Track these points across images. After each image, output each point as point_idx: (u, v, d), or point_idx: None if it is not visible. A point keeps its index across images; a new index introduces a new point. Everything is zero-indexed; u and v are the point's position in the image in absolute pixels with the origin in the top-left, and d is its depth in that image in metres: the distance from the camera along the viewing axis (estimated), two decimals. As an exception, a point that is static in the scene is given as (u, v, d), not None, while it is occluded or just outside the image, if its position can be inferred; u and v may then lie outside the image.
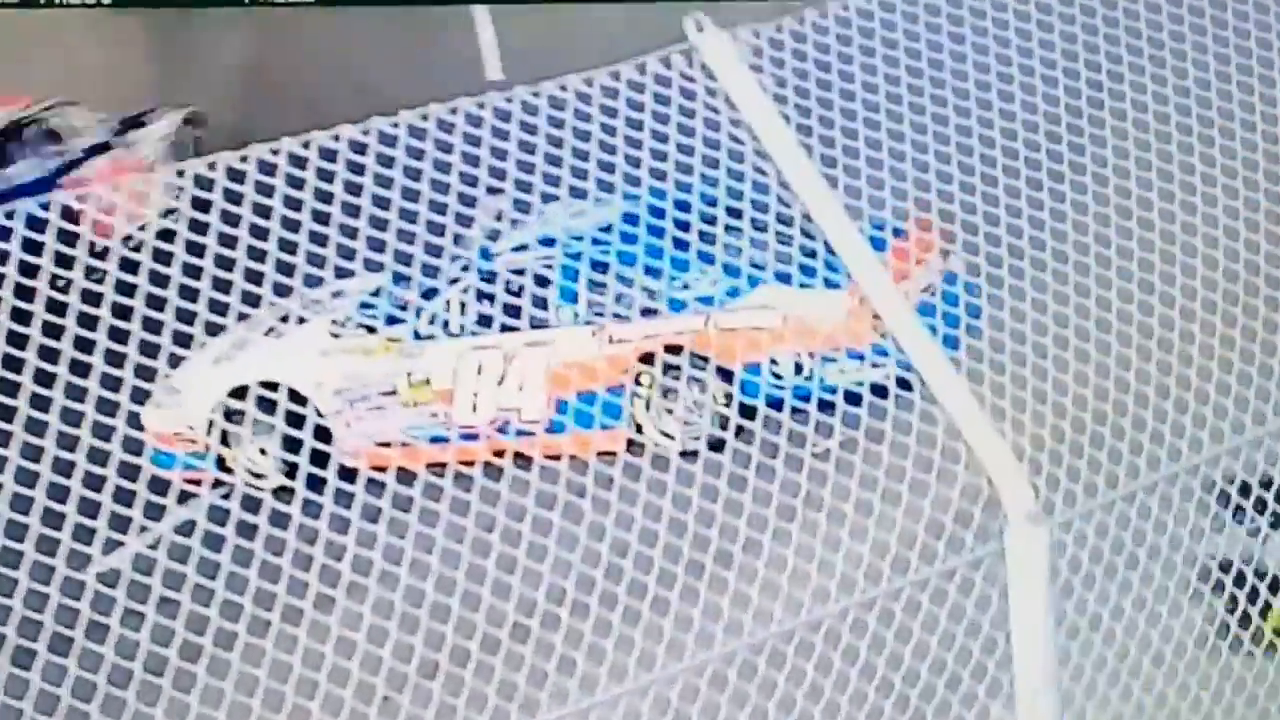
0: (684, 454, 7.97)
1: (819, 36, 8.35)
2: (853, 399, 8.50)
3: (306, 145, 7.63)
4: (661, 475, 8.10)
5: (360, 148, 7.72)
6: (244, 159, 7.50)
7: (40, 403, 7.61)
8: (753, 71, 7.81)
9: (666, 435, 8.28)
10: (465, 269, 8.28)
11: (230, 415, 8.36)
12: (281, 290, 8.14)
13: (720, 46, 7.70)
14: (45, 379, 7.63)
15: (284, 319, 8.25)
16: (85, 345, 7.68)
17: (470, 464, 8.30)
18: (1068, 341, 8.46)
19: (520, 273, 8.42)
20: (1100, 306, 8.59)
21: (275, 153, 7.55)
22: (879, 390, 8.31)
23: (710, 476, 8.20)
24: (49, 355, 7.65)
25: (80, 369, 7.77)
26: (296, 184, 7.63)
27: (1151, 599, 9.21)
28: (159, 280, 7.69)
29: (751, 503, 8.07)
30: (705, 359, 8.36)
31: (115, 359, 7.82)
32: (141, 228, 8.15)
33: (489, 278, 8.34)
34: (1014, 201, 8.49)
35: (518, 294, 8.49)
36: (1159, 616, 9.22)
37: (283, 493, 8.04)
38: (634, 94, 8.05)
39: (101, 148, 33.57)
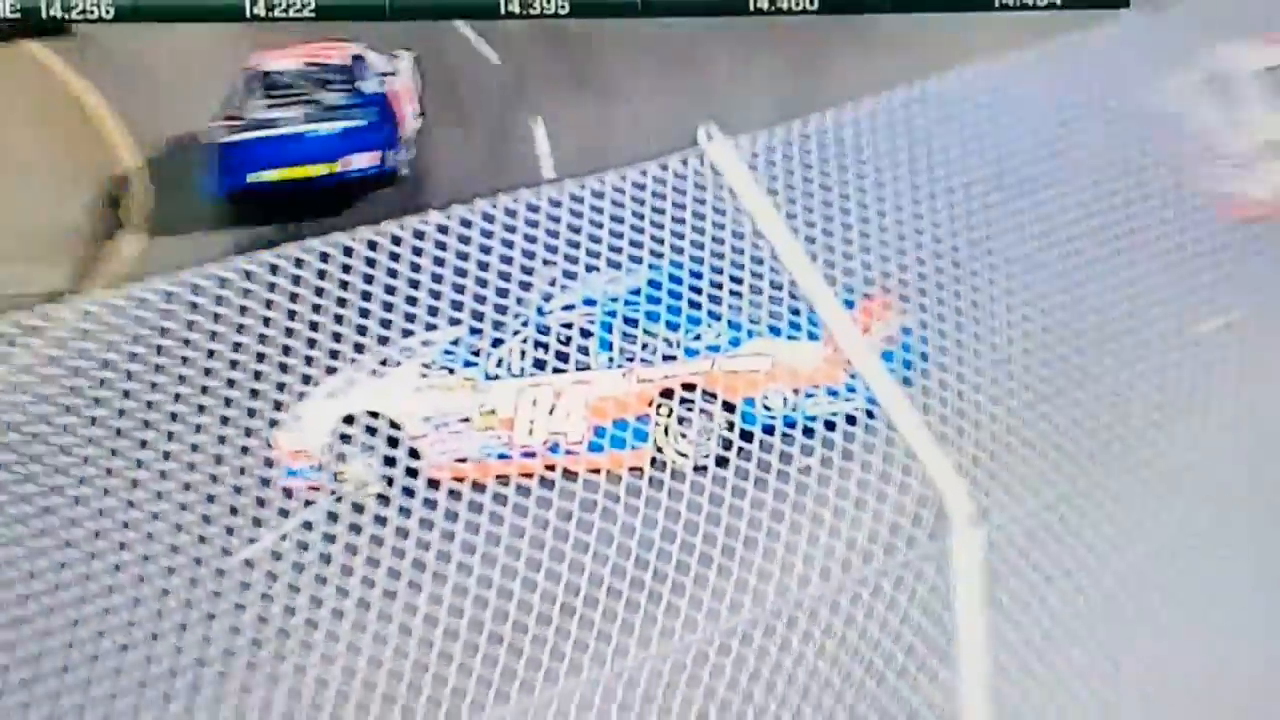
0: (695, 469, 8.31)
1: (805, 142, 8.50)
2: (829, 426, 8.60)
3: (402, 227, 7.86)
4: (678, 486, 8.21)
5: (444, 229, 7.94)
6: (354, 238, 7.71)
7: (199, 425, 7.79)
8: (750, 170, 8.13)
9: (681, 454, 8.36)
10: (524, 324, 8.28)
11: (342, 437, 8.46)
12: (382, 339, 8.13)
13: (724, 150, 8.07)
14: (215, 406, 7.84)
15: (384, 362, 8.23)
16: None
17: (528, 476, 8.42)
18: (997, 381, 8.67)
19: (568, 327, 8.42)
20: (1025, 354, 8.86)
21: (378, 233, 7.79)
22: (850, 419, 8.45)
23: (716, 487, 8.29)
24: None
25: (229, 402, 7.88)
26: (394, 257, 7.81)
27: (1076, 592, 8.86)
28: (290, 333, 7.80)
29: (749, 508, 8.26)
30: (713, 394, 8.50)
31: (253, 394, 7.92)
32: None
33: (543, 331, 8.28)
34: (955, 273, 8.76)
35: (565, 343, 8.46)
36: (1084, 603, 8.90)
37: (381, 498, 8.15)
38: (658, 186, 8.23)
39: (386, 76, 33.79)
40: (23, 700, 7.28)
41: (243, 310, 7.74)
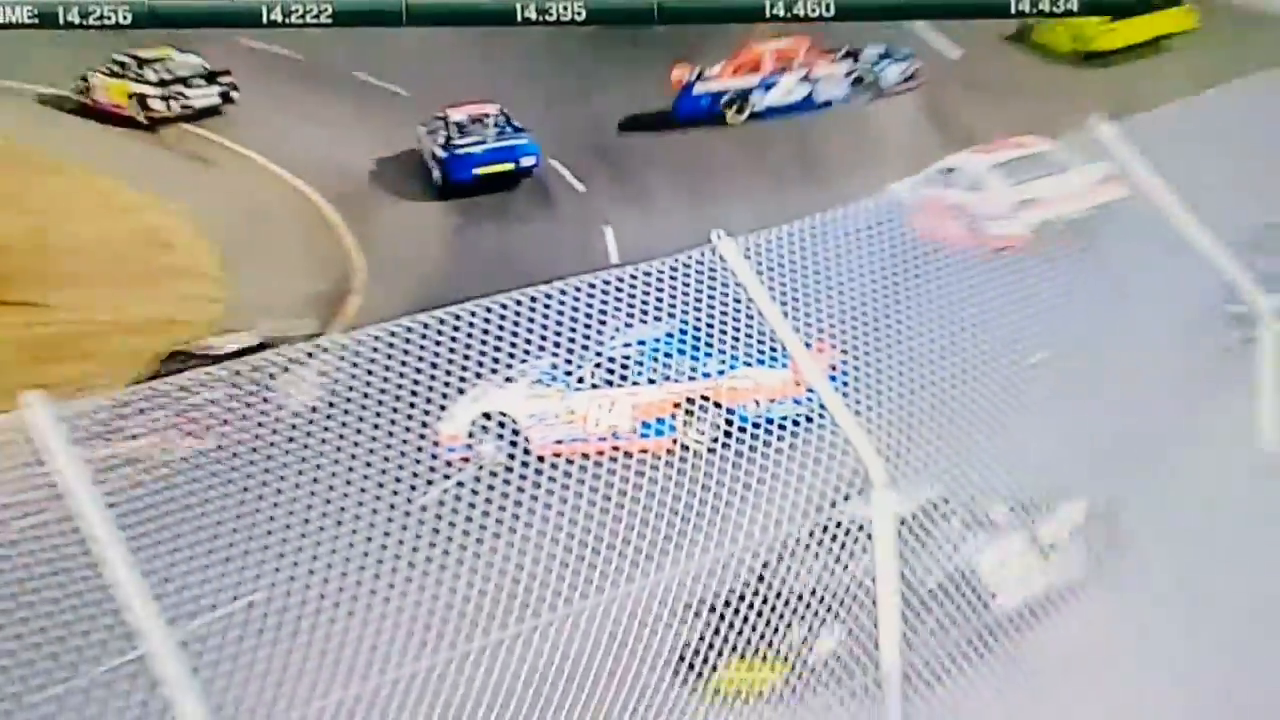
0: (708, 450, 8.59)
1: (780, 240, 8.97)
2: (795, 423, 8.75)
3: (517, 301, 8.30)
4: (695, 461, 8.47)
5: (549, 295, 8.38)
6: (493, 301, 8.15)
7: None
8: (745, 259, 8.66)
9: (697, 441, 8.70)
10: (597, 355, 8.53)
11: (481, 428, 8.83)
12: (507, 364, 8.28)
13: (728, 246, 8.69)
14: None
15: (508, 379, 8.33)
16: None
17: (600, 454, 8.57)
18: (901, 395, 9.00)
19: (626, 358, 8.79)
20: (919, 378, 9.14)
21: (509, 299, 8.20)
22: (808, 419, 8.64)
23: (720, 461, 8.51)
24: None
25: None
26: (518, 312, 8.22)
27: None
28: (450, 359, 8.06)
29: (742, 474, 8.49)
30: (718, 404, 8.99)
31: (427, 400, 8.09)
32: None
33: (610, 360, 8.66)
34: (874, 331, 9.10)
35: (624, 369, 8.81)
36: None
37: (506, 468, 8.32)
38: (685, 269, 8.68)
39: None
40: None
41: (422, 346, 8.11)
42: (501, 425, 8.76)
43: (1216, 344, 9.52)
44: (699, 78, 37.14)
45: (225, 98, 41.95)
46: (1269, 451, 9.42)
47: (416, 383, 8.19)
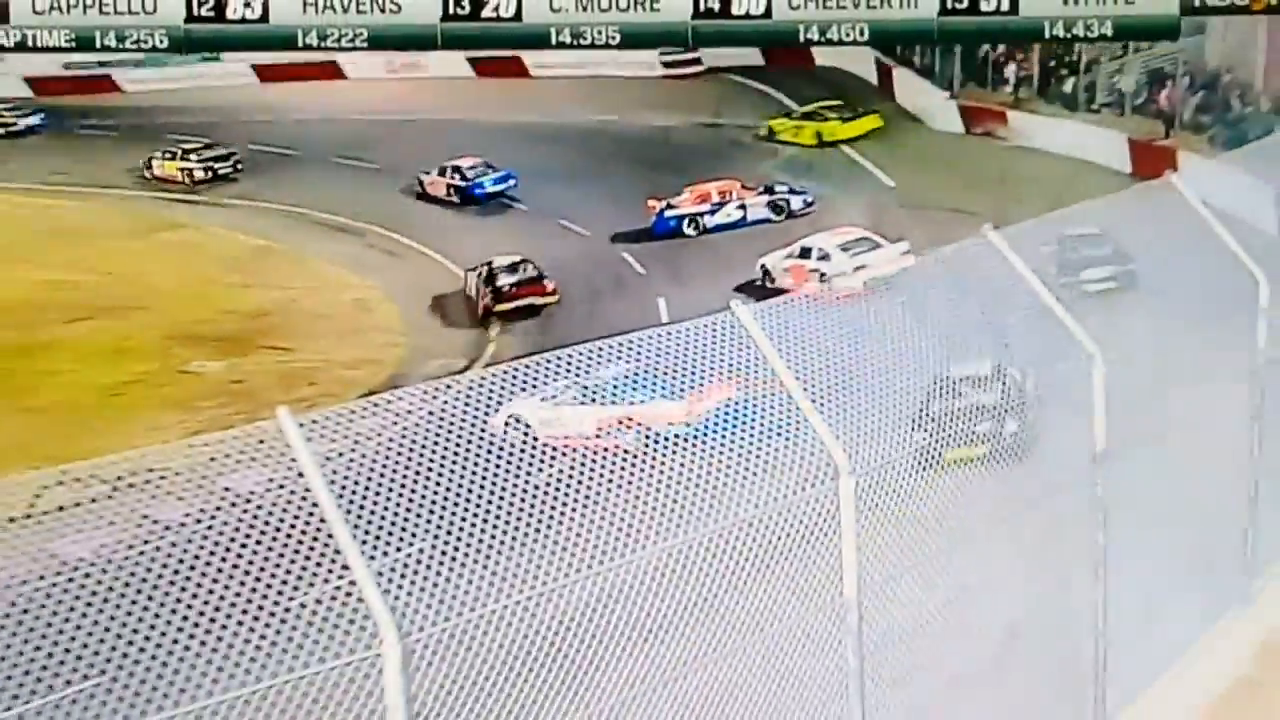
0: (639, 452, 7.27)
1: (778, 311, 7.90)
2: (689, 439, 7.64)
3: (562, 358, 7.18)
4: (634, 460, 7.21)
5: (602, 349, 7.30)
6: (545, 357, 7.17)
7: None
8: (756, 319, 7.60)
9: (631, 445, 7.64)
10: (580, 383, 7.46)
11: (514, 424, 7.49)
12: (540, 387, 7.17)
13: (744, 312, 7.66)
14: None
15: (541, 398, 7.52)
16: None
17: (573, 448, 7.30)
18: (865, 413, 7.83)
19: (597, 388, 7.91)
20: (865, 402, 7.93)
21: (568, 353, 7.14)
22: (697, 436, 7.56)
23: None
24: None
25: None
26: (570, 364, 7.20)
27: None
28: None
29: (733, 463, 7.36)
30: (639, 422, 7.92)
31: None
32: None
33: (584, 389, 7.80)
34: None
35: (593, 394, 7.97)
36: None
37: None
38: (714, 329, 7.61)
39: None
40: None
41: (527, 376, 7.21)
42: (518, 423, 7.59)
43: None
44: (669, 206, 38.53)
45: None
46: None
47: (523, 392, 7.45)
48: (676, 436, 7.51)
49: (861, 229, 35.03)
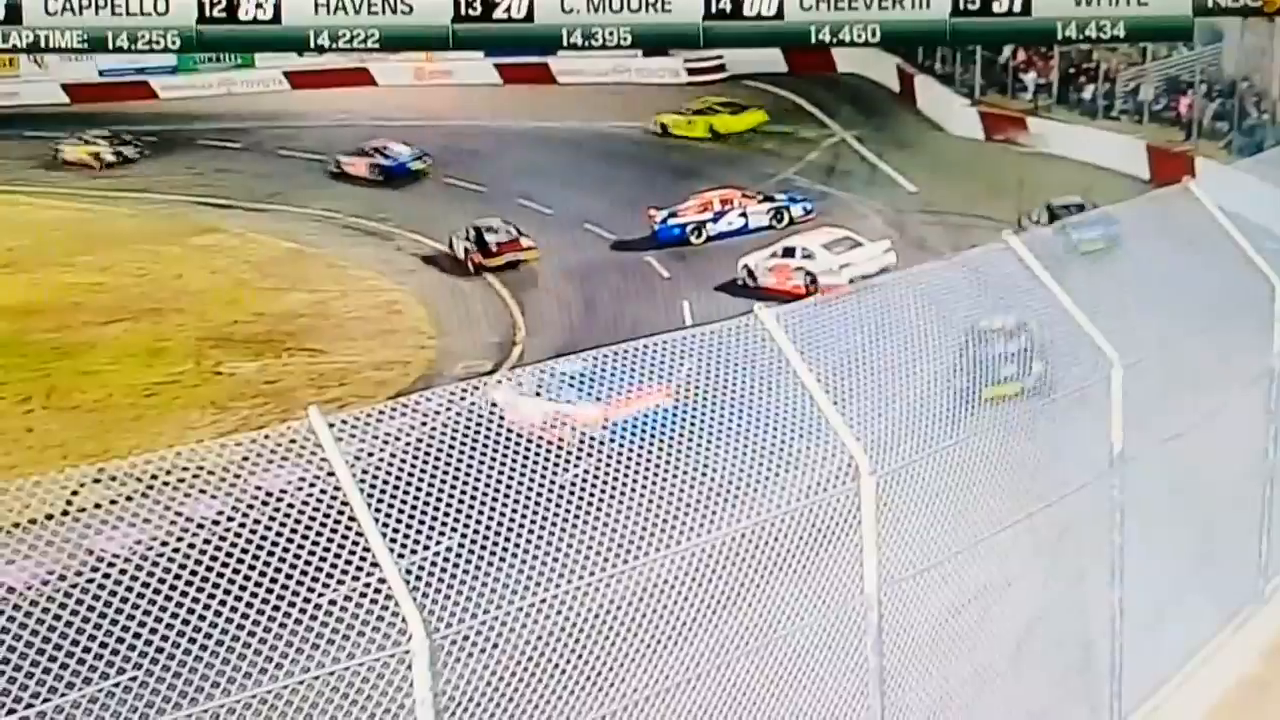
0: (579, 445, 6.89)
1: (806, 314, 7.66)
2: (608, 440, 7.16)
3: (586, 361, 7.07)
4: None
5: (618, 353, 7.04)
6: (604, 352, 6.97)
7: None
8: (779, 323, 7.37)
9: (569, 439, 7.09)
10: (545, 379, 7.08)
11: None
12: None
13: (767, 315, 7.41)
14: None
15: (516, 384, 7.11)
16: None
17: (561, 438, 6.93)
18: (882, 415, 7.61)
19: (552, 383, 7.28)
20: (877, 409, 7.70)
21: (583, 358, 7.08)
22: (611, 438, 7.16)
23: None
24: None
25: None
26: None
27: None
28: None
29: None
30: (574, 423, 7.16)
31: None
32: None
33: (549, 383, 7.26)
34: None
35: (549, 390, 7.34)
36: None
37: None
38: (737, 333, 7.41)
39: None
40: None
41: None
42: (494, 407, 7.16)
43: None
44: (671, 215, 38.56)
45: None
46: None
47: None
48: (593, 438, 7.19)
49: (844, 229, 35.23)
